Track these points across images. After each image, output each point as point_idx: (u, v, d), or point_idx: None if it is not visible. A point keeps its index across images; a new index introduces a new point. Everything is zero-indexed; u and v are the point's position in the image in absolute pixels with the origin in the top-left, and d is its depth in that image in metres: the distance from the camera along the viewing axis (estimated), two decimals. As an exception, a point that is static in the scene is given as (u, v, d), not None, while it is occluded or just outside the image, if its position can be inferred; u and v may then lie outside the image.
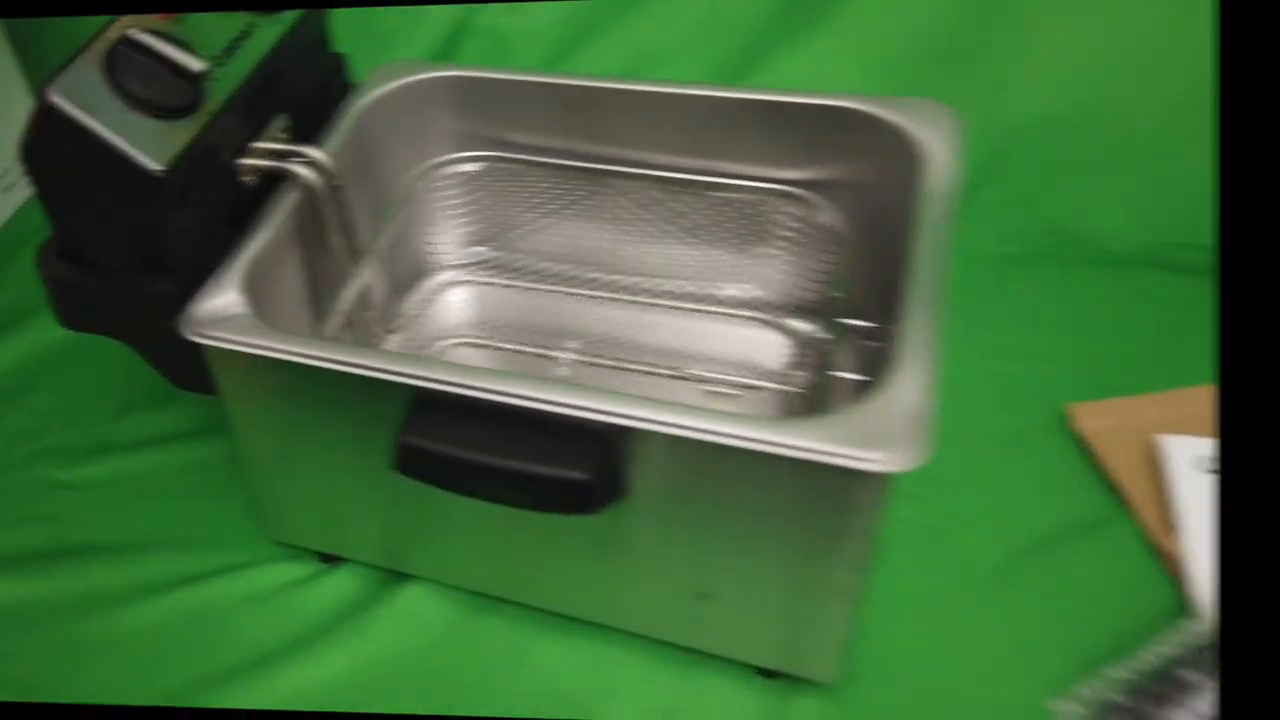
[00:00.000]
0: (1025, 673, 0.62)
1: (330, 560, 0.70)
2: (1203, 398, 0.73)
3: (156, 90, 0.54)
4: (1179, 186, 0.86)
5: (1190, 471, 0.68)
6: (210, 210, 0.59)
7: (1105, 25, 0.87)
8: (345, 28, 0.97)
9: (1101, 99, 0.88)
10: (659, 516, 0.55)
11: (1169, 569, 0.66)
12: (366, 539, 0.67)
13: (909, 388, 0.49)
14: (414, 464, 0.53)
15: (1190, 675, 0.57)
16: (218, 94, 0.57)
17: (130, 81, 0.53)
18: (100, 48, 0.53)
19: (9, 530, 0.73)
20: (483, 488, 0.53)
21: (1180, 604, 0.64)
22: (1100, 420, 0.73)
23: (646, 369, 0.76)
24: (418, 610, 0.67)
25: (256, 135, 0.63)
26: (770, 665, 0.61)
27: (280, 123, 0.64)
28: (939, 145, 0.64)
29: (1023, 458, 0.73)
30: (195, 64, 0.54)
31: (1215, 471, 0.68)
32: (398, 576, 0.68)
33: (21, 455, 0.78)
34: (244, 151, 0.62)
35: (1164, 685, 0.58)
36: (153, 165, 0.52)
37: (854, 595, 0.56)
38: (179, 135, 0.54)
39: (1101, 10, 0.86)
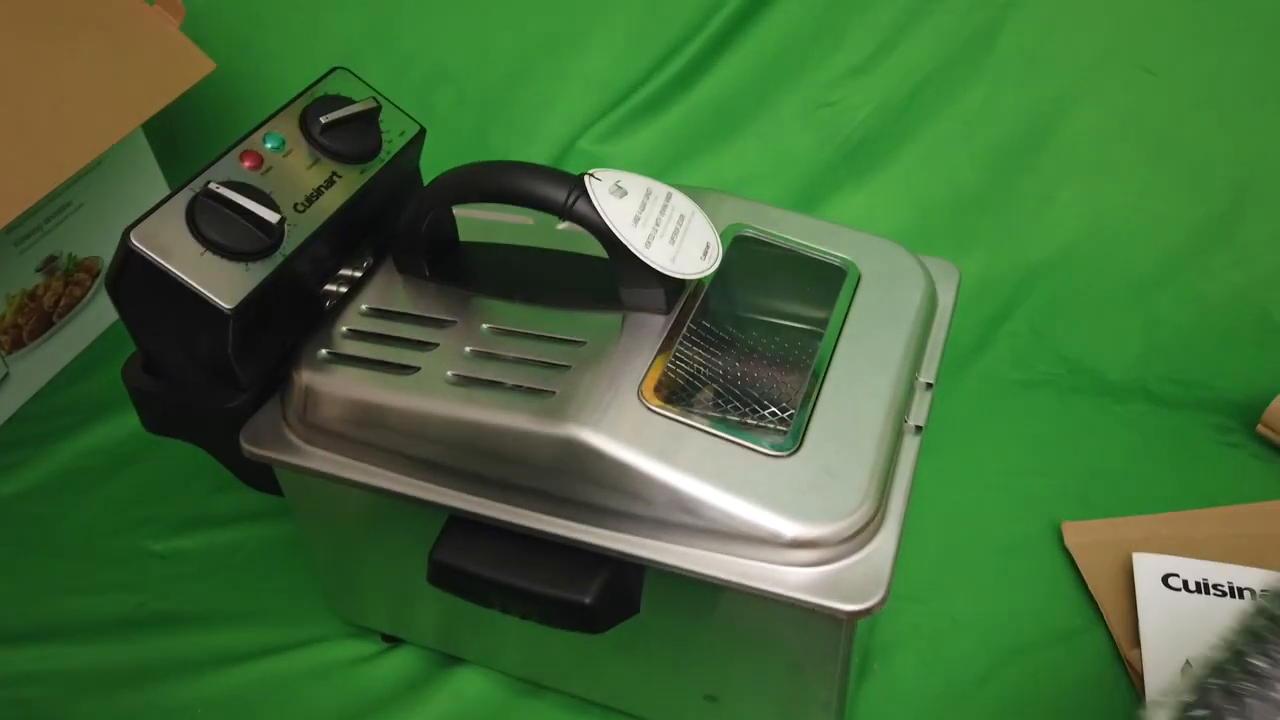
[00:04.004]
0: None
1: (392, 640, 0.69)
2: (1178, 521, 0.72)
3: (233, 236, 0.54)
4: (1172, 327, 0.85)
5: (1156, 586, 0.67)
6: (290, 331, 0.59)
7: (1111, 184, 0.88)
8: (464, 145, 1.02)
9: (1109, 246, 0.88)
10: (667, 631, 0.55)
11: (1132, 677, 0.64)
12: (423, 624, 0.67)
13: (879, 549, 0.49)
14: (441, 577, 0.53)
15: None
16: (295, 238, 0.57)
17: (209, 228, 0.53)
18: (184, 196, 0.54)
19: (99, 596, 0.74)
20: (501, 603, 0.52)
21: (1136, 709, 0.63)
22: (1085, 536, 0.72)
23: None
24: (467, 691, 0.67)
25: (342, 264, 0.64)
26: (773, 760, 0.61)
27: (366, 253, 0.65)
28: (945, 299, 0.63)
29: (1017, 568, 0.71)
30: (270, 215, 0.55)
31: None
32: (452, 659, 0.68)
33: (120, 524, 0.79)
34: (329, 278, 0.63)
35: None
36: (224, 304, 0.52)
37: (835, 709, 0.55)
38: (253, 276, 0.54)
39: (1109, 171, 0.88)
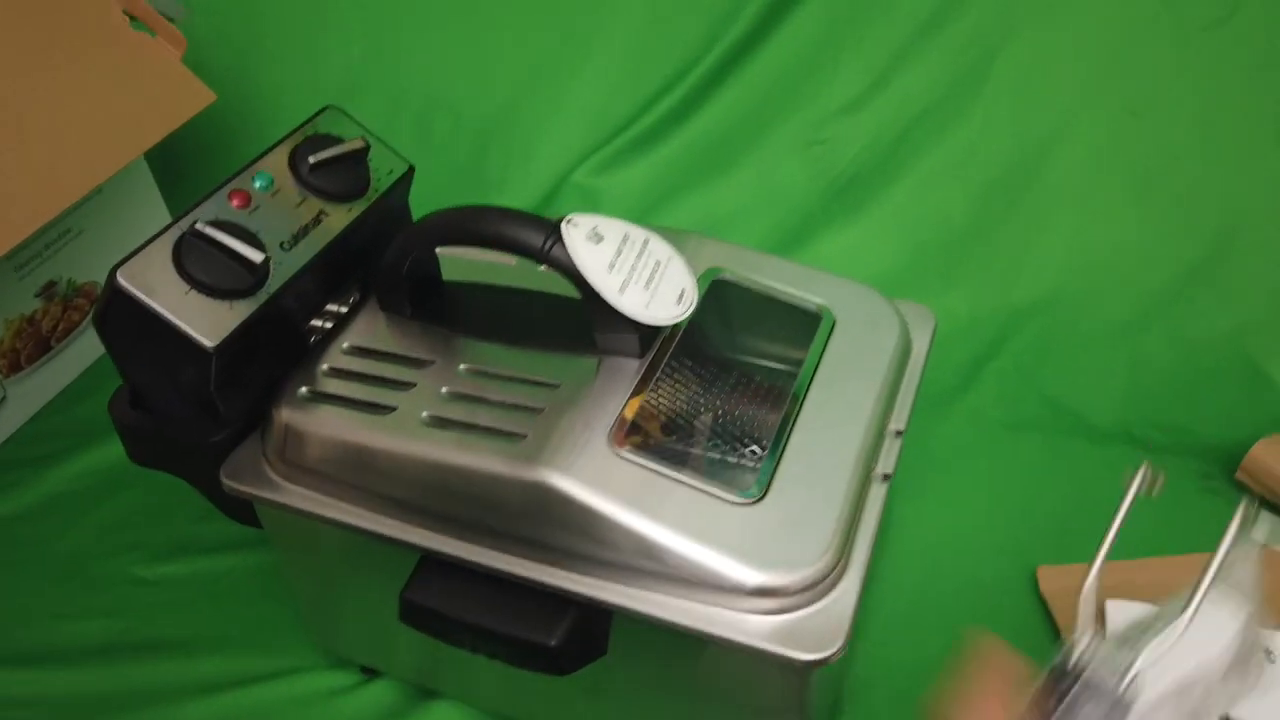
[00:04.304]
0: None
1: (370, 673, 0.70)
2: (1154, 568, 0.72)
3: (218, 275, 0.55)
4: (1157, 370, 0.86)
5: (1128, 633, 0.67)
6: (275, 367, 0.60)
7: (1098, 224, 0.89)
8: (461, 175, 1.04)
9: (1095, 287, 0.88)
10: (635, 674, 0.56)
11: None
12: (401, 658, 0.68)
13: (840, 599, 0.49)
14: (411, 616, 0.54)
15: None
16: (279, 276, 0.58)
17: (194, 267, 0.55)
18: (171, 235, 0.55)
19: (86, 621, 0.75)
20: (470, 643, 0.53)
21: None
22: (1060, 581, 0.72)
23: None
24: (442, 726, 0.68)
25: (329, 300, 0.65)
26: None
27: (352, 290, 0.66)
28: (920, 346, 0.64)
29: (992, 610, 0.72)
30: (255, 255, 0.56)
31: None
32: (429, 693, 0.69)
33: (109, 548, 0.80)
34: (315, 313, 0.64)
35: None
36: (207, 342, 0.53)
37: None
38: (236, 313, 0.55)
39: (1096, 211, 0.88)
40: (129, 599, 0.76)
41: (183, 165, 1.06)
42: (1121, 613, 0.67)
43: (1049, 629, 0.70)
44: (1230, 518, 0.76)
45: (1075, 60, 0.88)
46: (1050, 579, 0.72)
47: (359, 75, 1.05)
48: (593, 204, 1.02)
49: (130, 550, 0.80)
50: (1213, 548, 0.73)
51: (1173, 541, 0.75)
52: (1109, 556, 0.56)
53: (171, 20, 0.92)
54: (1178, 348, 0.86)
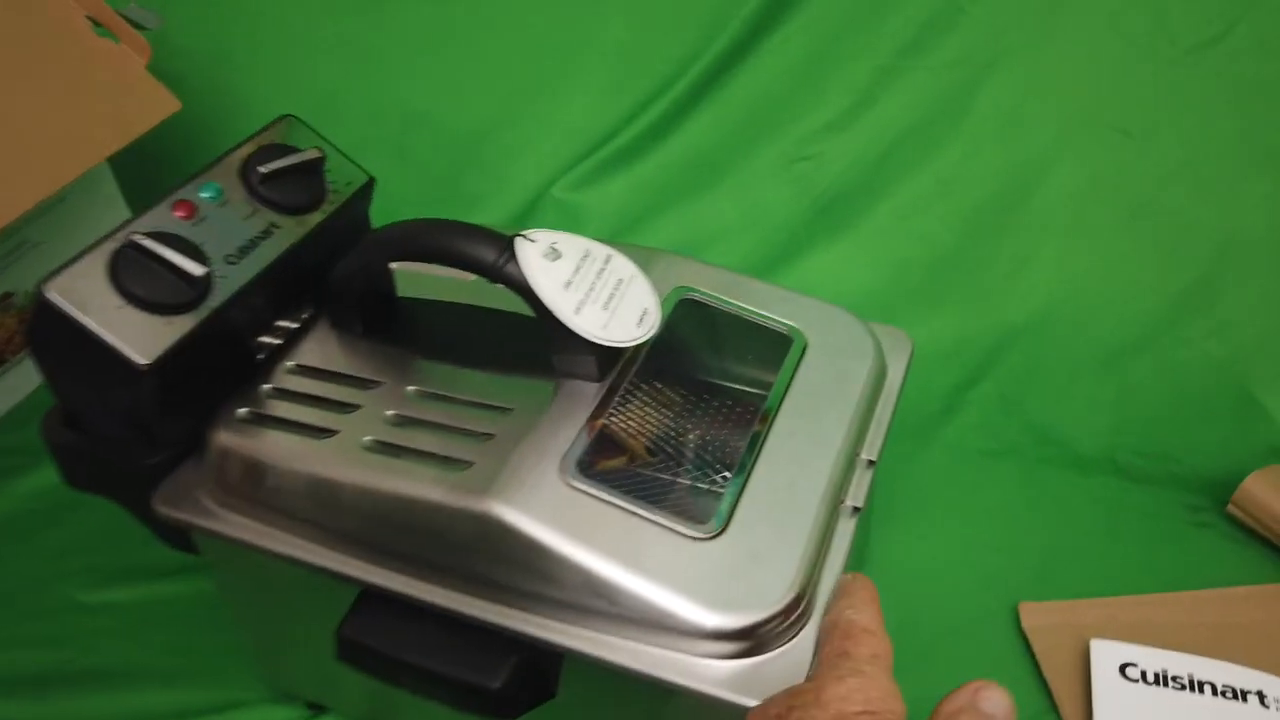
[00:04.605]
0: None
1: (316, 708, 0.67)
2: (1141, 606, 0.69)
3: (156, 289, 0.52)
4: (1146, 399, 0.82)
5: (1113, 677, 0.63)
6: (219, 385, 0.57)
7: (1087, 248, 0.86)
8: (438, 189, 1.01)
9: (1084, 312, 0.85)
10: (588, 717, 0.53)
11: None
12: (348, 695, 0.64)
13: (802, 643, 0.46)
14: (348, 654, 0.50)
15: None
16: (223, 291, 0.54)
17: (130, 281, 0.51)
18: (109, 247, 0.52)
19: (26, 649, 0.71)
20: (410, 683, 0.50)
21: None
22: (1043, 619, 0.69)
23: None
24: (389, 764, 0.64)
25: (280, 316, 0.62)
26: None
27: (306, 305, 0.63)
28: (895, 372, 0.60)
29: (971, 648, 0.68)
30: (195, 269, 0.53)
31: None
32: (377, 730, 0.66)
33: (54, 573, 0.76)
34: (265, 330, 0.61)
35: None
36: (139, 359, 0.50)
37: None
38: (174, 330, 0.52)
39: (1085, 234, 0.86)
40: (70, 626, 0.72)
41: (153, 178, 1.03)
42: (1106, 654, 0.64)
43: (1031, 666, 0.67)
44: (1221, 551, 0.74)
45: (1065, 80, 0.85)
46: (1032, 615, 0.69)
47: (339, 88, 1.02)
48: (572, 219, 0.99)
49: (76, 575, 0.76)
50: (1203, 583, 0.71)
51: (1160, 578, 0.72)
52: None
53: (144, 29, 0.89)
54: (1167, 375, 0.83)
